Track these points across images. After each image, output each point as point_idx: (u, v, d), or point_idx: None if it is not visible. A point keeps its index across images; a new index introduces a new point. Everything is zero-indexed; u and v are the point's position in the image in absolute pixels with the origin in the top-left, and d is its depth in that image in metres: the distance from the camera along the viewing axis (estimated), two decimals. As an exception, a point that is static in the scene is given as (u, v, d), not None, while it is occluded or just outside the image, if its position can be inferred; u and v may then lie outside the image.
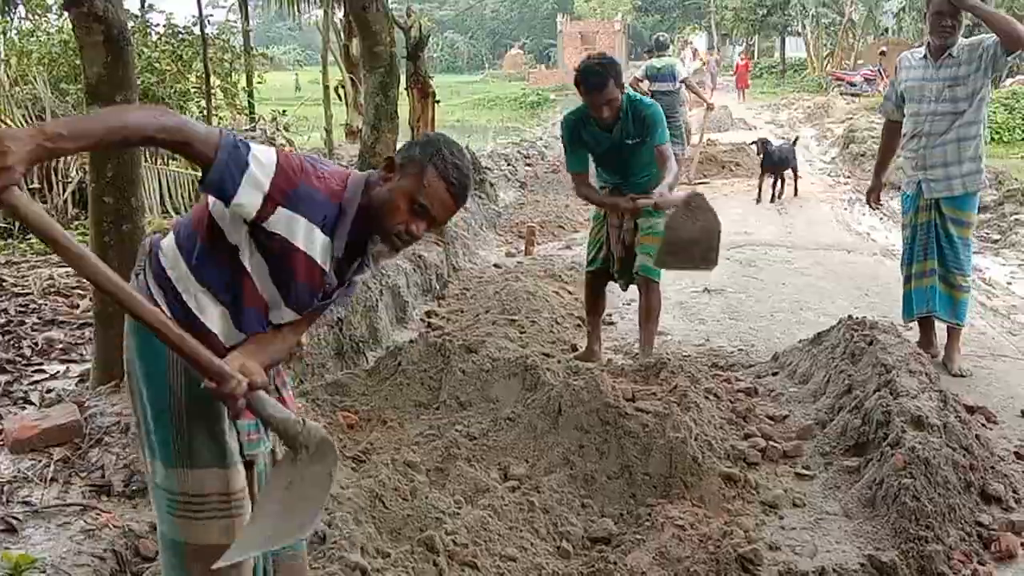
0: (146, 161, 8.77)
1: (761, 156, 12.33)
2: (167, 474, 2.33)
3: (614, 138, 5.22)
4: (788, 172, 12.66)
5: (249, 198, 2.14)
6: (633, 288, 5.75)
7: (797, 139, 13.37)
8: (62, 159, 9.28)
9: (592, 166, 5.49)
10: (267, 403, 2.21)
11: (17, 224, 8.69)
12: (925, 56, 5.48)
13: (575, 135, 5.34)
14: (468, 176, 2.37)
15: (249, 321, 2.33)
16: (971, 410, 4.69)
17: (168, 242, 2.34)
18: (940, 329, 5.77)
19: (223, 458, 2.33)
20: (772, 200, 12.30)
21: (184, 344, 2.07)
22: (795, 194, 12.68)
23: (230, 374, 2.10)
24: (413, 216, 2.33)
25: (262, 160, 2.15)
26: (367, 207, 2.32)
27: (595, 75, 4.99)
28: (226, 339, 2.30)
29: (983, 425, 4.60)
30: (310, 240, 2.25)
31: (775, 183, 12.51)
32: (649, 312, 5.55)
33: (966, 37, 5.46)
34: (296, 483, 2.23)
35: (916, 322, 5.81)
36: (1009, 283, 7.94)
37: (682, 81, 12.87)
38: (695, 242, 4.72)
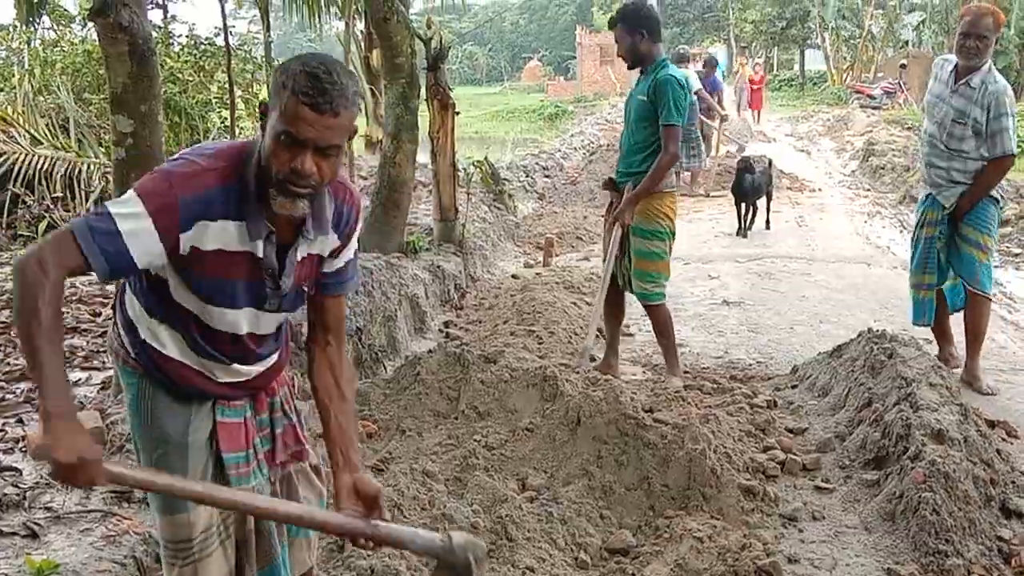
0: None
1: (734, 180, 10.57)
2: (157, 521, 2.38)
3: (636, 91, 5.30)
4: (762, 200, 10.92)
5: (147, 255, 2.05)
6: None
7: (771, 162, 11.58)
8: (84, 168, 9.36)
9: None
10: (401, 533, 2.22)
11: (39, 232, 8.77)
12: (952, 72, 5.31)
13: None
14: (326, 80, 2.00)
15: (209, 338, 2.28)
16: (992, 424, 4.66)
17: (126, 288, 2.32)
18: (958, 338, 5.72)
19: (186, 504, 2.28)
20: (739, 233, 10.66)
21: (314, 518, 2.22)
22: (766, 226, 11.04)
23: (361, 529, 2.15)
24: (291, 152, 2.03)
25: (127, 213, 2.01)
26: (259, 167, 2.11)
27: (615, 15, 5.28)
28: (190, 361, 2.29)
29: (1004, 439, 4.57)
30: (224, 235, 2.11)
31: (746, 213, 10.77)
32: (658, 330, 5.57)
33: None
34: None
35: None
36: (1031, 297, 7.90)
37: (695, 92, 12.90)
38: None
